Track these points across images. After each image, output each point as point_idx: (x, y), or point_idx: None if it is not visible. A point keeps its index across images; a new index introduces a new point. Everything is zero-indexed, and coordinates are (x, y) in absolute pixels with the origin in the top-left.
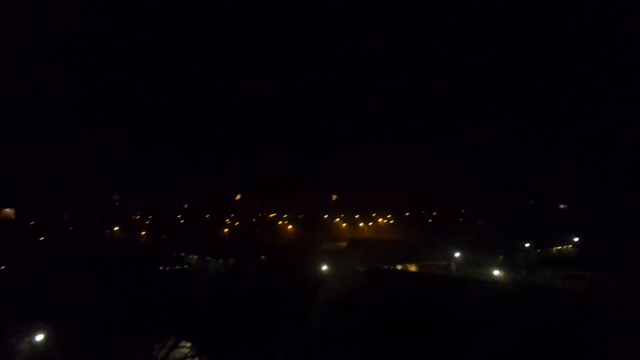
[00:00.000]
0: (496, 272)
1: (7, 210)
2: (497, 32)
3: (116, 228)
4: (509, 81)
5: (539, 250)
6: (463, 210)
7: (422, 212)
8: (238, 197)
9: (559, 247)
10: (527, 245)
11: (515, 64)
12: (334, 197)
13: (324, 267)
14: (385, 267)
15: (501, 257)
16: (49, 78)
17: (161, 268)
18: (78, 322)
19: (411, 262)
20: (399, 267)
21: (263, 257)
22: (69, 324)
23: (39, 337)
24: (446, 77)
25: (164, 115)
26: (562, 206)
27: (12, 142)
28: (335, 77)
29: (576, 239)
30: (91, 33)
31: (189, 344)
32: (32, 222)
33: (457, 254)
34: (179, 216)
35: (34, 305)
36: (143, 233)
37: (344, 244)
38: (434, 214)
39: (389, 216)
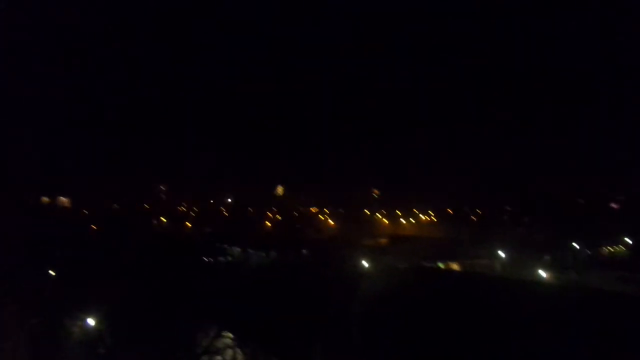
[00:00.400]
0: (542, 273)
1: (63, 198)
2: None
3: (162, 218)
4: (559, 77)
5: (588, 251)
6: (508, 208)
7: (466, 209)
8: (280, 190)
9: (610, 248)
10: (575, 245)
11: (566, 59)
12: (376, 192)
13: (365, 263)
14: (426, 264)
15: (548, 257)
16: (96, 72)
17: (205, 259)
18: (126, 308)
19: (454, 260)
20: (440, 264)
21: (304, 250)
22: (118, 310)
23: (91, 321)
24: (492, 74)
25: (210, 111)
26: (613, 205)
27: (64, 134)
28: (378, 74)
29: (628, 240)
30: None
31: (230, 334)
32: (85, 211)
33: (501, 253)
34: (222, 208)
35: (85, 291)
36: (188, 224)
37: (385, 240)
38: (478, 211)
39: (431, 213)
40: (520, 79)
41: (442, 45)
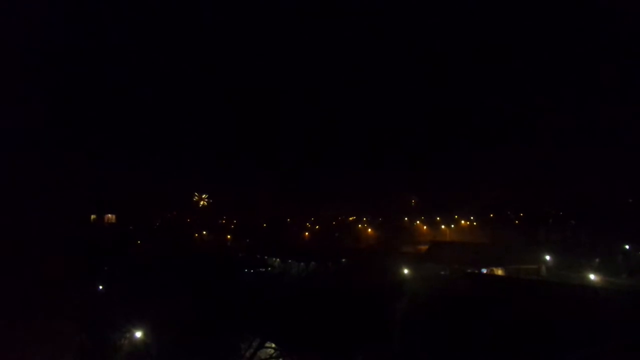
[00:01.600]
0: (592, 277)
1: (109, 215)
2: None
3: (204, 232)
4: (603, 73)
5: None
6: (553, 211)
7: (508, 212)
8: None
9: None
10: (627, 246)
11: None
12: (414, 200)
13: (405, 271)
14: (469, 270)
15: (597, 260)
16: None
17: (246, 271)
18: (172, 321)
19: (497, 265)
20: (484, 270)
21: (343, 260)
22: (164, 322)
23: (138, 334)
24: (532, 73)
25: (248, 126)
26: None
27: (112, 154)
28: (413, 77)
29: None
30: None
31: (273, 345)
32: (131, 227)
33: (547, 257)
34: (261, 220)
35: (133, 304)
36: (228, 237)
37: (425, 247)
38: (521, 214)
39: (472, 218)
40: (556, 79)
41: (473, 48)
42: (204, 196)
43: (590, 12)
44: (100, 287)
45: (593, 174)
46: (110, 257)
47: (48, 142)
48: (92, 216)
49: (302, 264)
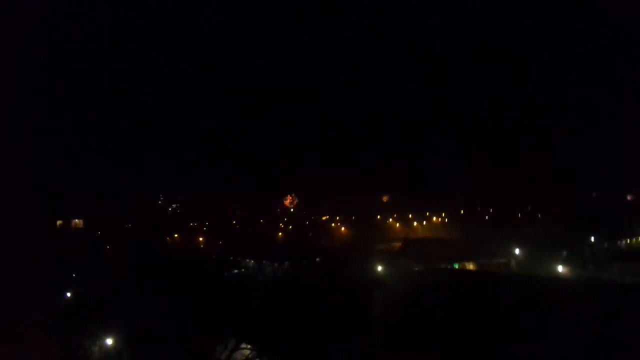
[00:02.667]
0: (560, 269)
1: (77, 220)
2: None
3: (176, 235)
4: (565, 73)
5: (606, 244)
6: (522, 206)
7: (479, 209)
8: (289, 200)
9: (629, 241)
10: (592, 239)
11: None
12: (385, 198)
13: (379, 268)
14: (442, 266)
15: (565, 252)
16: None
17: (219, 272)
18: (145, 326)
19: (469, 260)
20: (456, 266)
21: (317, 259)
22: (136, 328)
23: (109, 341)
24: (501, 72)
25: (217, 125)
26: (629, 197)
27: (76, 156)
28: (384, 74)
29: None
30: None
31: (249, 346)
32: (99, 232)
33: (517, 251)
34: (234, 222)
35: (104, 310)
36: (201, 239)
37: (398, 244)
38: (491, 210)
39: (443, 214)
40: (524, 78)
41: (438, 47)
42: (175, 203)
43: (590, 13)
44: (69, 294)
45: (560, 170)
46: (78, 263)
47: (11, 144)
48: (59, 222)
49: (276, 264)
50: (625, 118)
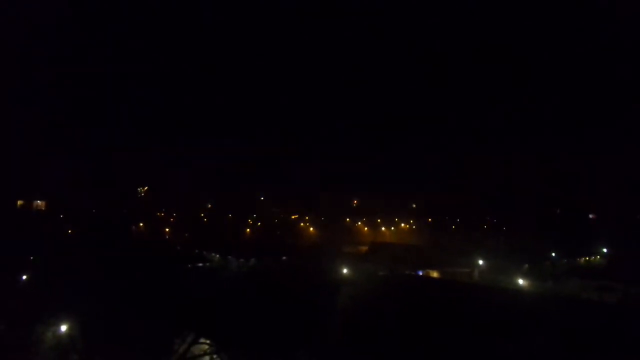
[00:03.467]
0: (521, 281)
1: (39, 202)
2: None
3: (141, 224)
4: (536, 85)
5: (565, 260)
6: (487, 217)
7: (445, 217)
8: (261, 198)
9: (587, 258)
10: (553, 254)
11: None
12: (355, 202)
13: (345, 270)
14: (406, 272)
15: (526, 265)
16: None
17: (183, 265)
18: (101, 314)
19: (433, 268)
20: (420, 272)
21: (284, 257)
22: (92, 316)
23: (63, 328)
24: (473, 83)
25: (191, 116)
26: (591, 216)
27: (43, 136)
28: (358, 81)
29: (605, 250)
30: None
31: (208, 341)
32: (62, 215)
33: (480, 261)
34: (202, 215)
35: (59, 296)
36: (167, 230)
37: (365, 248)
38: (457, 220)
39: (411, 221)
40: (545, 83)
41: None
42: (143, 188)
43: (588, 13)
44: (24, 277)
45: (525, 185)
46: (37, 246)
47: None
48: (19, 202)
49: (241, 260)
50: (595, 139)
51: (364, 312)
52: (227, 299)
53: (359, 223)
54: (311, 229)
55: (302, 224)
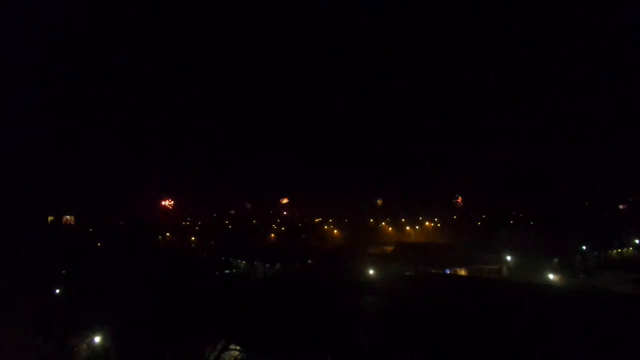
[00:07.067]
0: (551, 276)
1: (68, 217)
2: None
3: (167, 234)
4: (564, 81)
5: (596, 253)
6: (514, 213)
7: (471, 214)
8: (285, 200)
9: (620, 250)
10: (584, 247)
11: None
12: (380, 202)
13: (371, 271)
14: (433, 271)
15: (556, 260)
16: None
17: (210, 273)
18: (134, 324)
19: (460, 266)
20: (447, 271)
21: (309, 261)
22: (125, 326)
23: (97, 339)
24: (500, 78)
25: (214, 125)
26: (621, 206)
27: (70, 155)
28: (376, 83)
29: (637, 241)
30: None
31: (238, 347)
32: (90, 229)
33: (508, 258)
34: (226, 222)
35: (92, 308)
36: (193, 238)
37: (390, 248)
38: (483, 216)
39: (436, 219)
40: (520, 84)
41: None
42: (168, 200)
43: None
44: (58, 290)
45: (553, 178)
46: (68, 260)
47: (6, 141)
48: (50, 217)
49: (267, 265)
50: (623, 129)
51: (391, 314)
52: (255, 305)
53: (383, 223)
54: (335, 231)
55: (326, 226)
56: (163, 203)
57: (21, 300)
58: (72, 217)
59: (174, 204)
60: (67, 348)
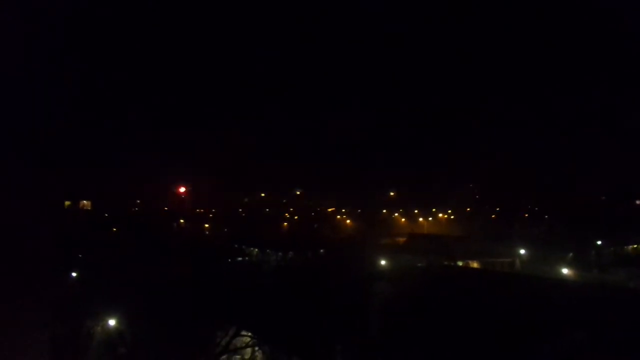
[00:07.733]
0: (565, 271)
1: (85, 202)
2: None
3: (182, 220)
4: (579, 72)
5: (612, 248)
6: (529, 206)
7: (485, 207)
8: (298, 192)
9: (635, 246)
10: (599, 242)
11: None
12: (393, 193)
13: (383, 262)
14: (445, 263)
15: (570, 254)
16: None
17: (223, 260)
18: (147, 309)
19: (473, 258)
20: (460, 263)
21: (322, 250)
22: (139, 310)
23: (112, 322)
24: (509, 68)
25: (225, 112)
26: (638, 202)
27: (86, 137)
28: (392, 71)
29: None
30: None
31: (249, 334)
32: (106, 214)
33: (522, 251)
34: (240, 210)
35: (107, 292)
36: (206, 226)
37: (403, 239)
38: (497, 209)
39: (449, 211)
40: (534, 77)
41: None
42: (183, 187)
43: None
44: (74, 274)
45: (568, 171)
46: (85, 244)
47: (20, 124)
48: (67, 202)
49: (280, 253)
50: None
51: (403, 304)
52: (268, 293)
53: (396, 214)
54: (348, 221)
55: (338, 216)
56: (178, 190)
57: (37, 283)
58: (89, 202)
59: (188, 191)
60: (83, 331)
